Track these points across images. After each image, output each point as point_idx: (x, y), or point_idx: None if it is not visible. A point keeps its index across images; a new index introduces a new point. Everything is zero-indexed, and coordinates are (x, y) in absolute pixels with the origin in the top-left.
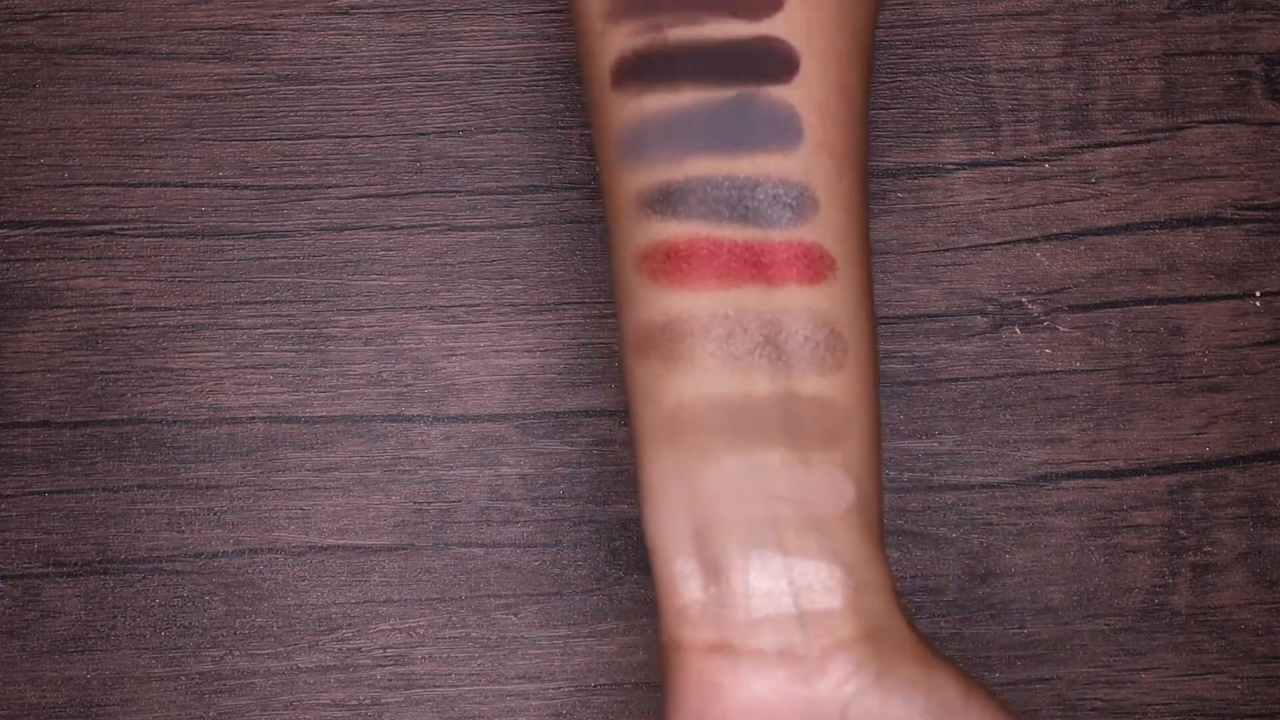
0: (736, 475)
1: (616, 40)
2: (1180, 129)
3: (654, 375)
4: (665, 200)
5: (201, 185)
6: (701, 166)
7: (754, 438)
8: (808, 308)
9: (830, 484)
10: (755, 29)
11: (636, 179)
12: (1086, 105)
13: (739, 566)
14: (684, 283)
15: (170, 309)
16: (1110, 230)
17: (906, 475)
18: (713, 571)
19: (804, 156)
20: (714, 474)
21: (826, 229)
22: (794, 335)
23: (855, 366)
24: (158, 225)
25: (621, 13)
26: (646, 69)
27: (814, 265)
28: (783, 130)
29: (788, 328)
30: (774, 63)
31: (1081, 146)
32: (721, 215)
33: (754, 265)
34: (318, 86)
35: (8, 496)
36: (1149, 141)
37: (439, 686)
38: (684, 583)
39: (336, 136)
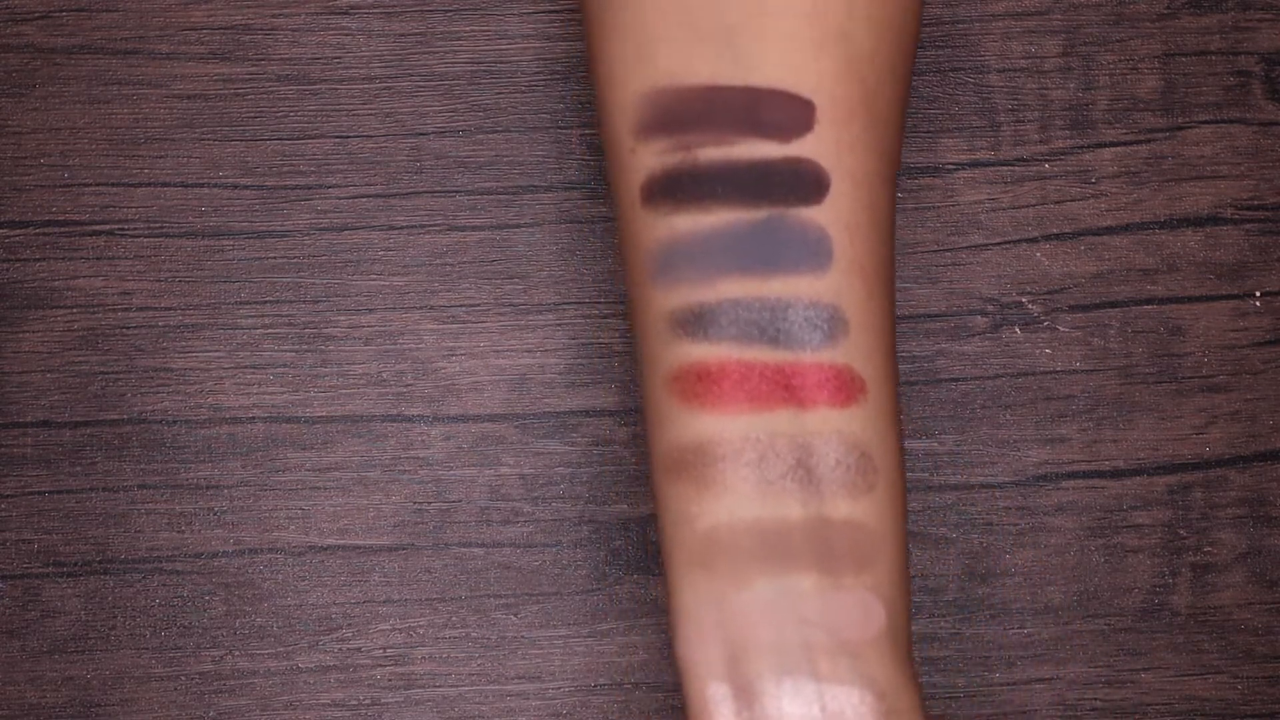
0: (769, 600)
1: (646, 158)
2: (1180, 129)
3: (685, 498)
4: (696, 321)
5: (201, 185)
6: (733, 288)
7: (787, 562)
8: (838, 431)
9: (862, 608)
10: (785, 150)
11: (667, 299)
12: (1086, 105)
13: (772, 692)
14: (715, 405)
15: (170, 309)
16: (1110, 230)
17: (906, 475)
18: (745, 696)
19: (834, 278)
20: (747, 599)
21: (857, 351)
22: (825, 459)
23: (885, 489)
24: (158, 225)
25: (651, 131)
26: (677, 188)
27: (845, 388)
28: (814, 252)
29: (819, 451)
30: (805, 184)
31: (1081, 146)
32: (752, 337)
33: (785, 388)
34: (318, 86)
35: (8, 496)
36: (1149, 141)
37: (439, 686)
38: (717, 707)
39: (336, 136)
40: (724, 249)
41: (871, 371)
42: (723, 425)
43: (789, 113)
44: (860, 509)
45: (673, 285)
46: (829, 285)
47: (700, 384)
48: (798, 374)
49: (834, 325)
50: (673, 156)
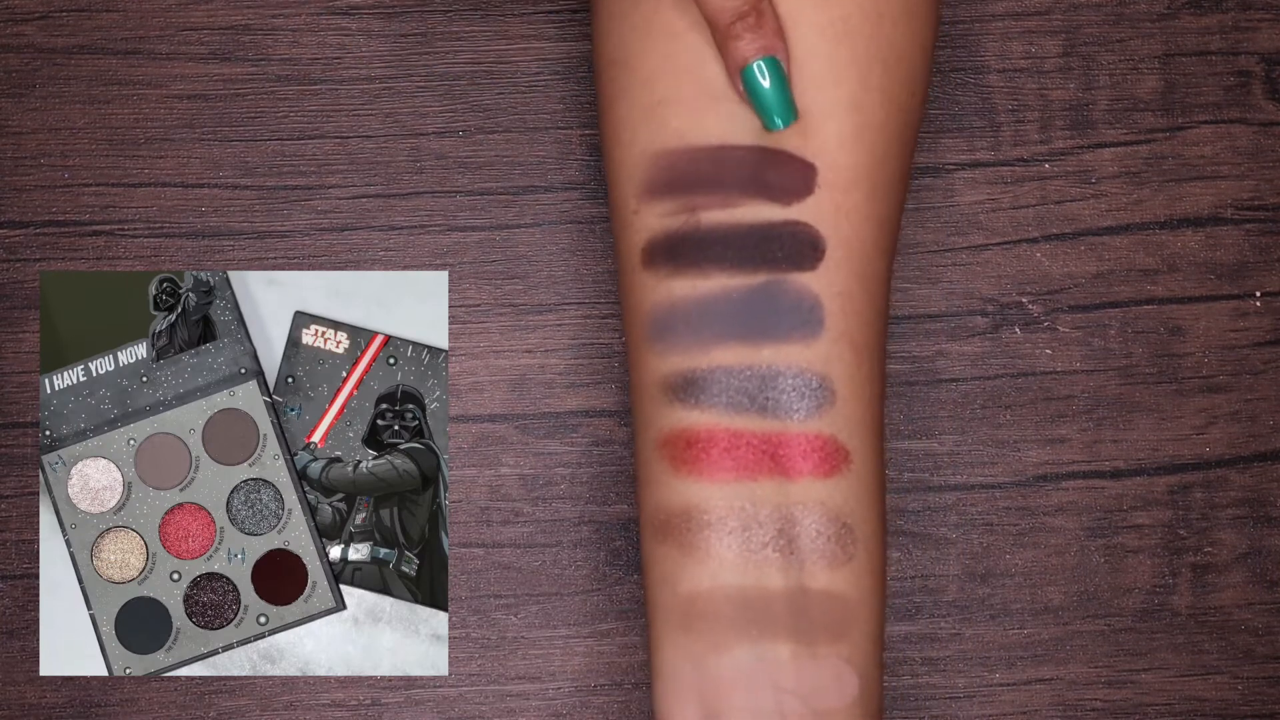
0: (746, 666)
1: (649, 219)
2: (1180, 129)
3: (670, 561)
4: (688, 388)
5: (201, 185)
6: (726, 355)
7: (765, 630)
8: (821, 502)
9: (835, 677)
10: (785, 213)
11: (662, 363)
12: (1086, 105)
13: None
14: (703, 472)
15: None
16: (1110, 230)
17: (906, 475)
18: None
19: (824, 346)
20: (726, 663)
21: (843, 421)
22: (807, 530)
23: (864, 558)
24: (158, 225)
25: (656, 192)
26: (677, 252)
27: (829, 459)
28: (805, 320)
29: (801, 522)
30: (801, 248)
31: (1081, 147)
32: (742, 406)
33: (771, 458)
34: (318, 87)
35: (8, 497)
36: (1149, 142)
37: (439, 687)
38: None
39: (337, 137)
40: (719, 315)
41: (856, 442)
42: (709, 493)
43: (791, 175)
44: (839, 579)
45: (668, 350)
46: (819, 354)
47: (689, 450)
48: (784, 444)
49: (822, 395)
50: (675, 219)
